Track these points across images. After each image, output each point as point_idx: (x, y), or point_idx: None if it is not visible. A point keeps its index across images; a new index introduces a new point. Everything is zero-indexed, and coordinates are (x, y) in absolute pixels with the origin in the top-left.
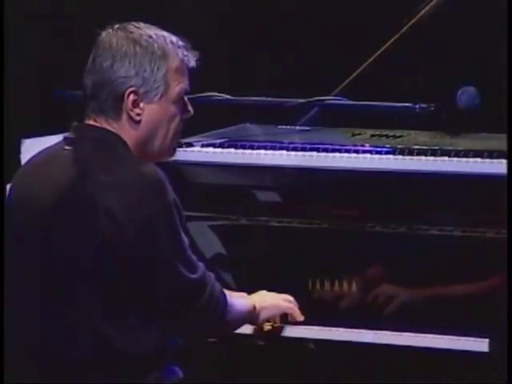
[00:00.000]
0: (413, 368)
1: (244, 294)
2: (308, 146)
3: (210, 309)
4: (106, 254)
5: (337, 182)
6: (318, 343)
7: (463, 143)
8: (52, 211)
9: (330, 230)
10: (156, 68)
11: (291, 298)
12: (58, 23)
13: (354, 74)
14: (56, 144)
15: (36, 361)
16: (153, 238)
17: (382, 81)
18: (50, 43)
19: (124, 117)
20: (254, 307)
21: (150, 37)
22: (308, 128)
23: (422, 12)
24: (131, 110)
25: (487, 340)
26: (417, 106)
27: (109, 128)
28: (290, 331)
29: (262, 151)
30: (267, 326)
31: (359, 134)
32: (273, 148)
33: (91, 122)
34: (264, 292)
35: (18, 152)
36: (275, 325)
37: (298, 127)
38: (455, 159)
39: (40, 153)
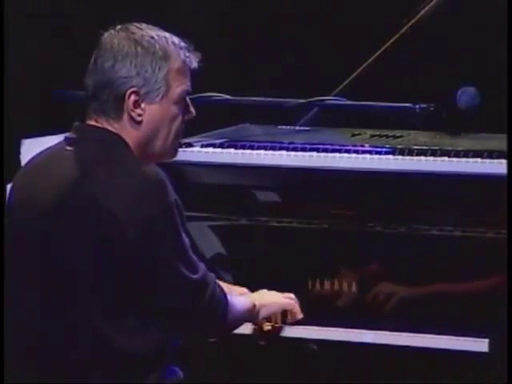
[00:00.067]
0: (412, 368)
1: (244, 289)
2: (308, 146)
3: (210, 309)
4: (106, 254)
5: (336, 182)
6: (317, 343)
7: (463, 143)
8: (53, 211)
9: (329, 230)
10: (157, 68)
11: (292, 296)
12: (58, 23)
13: (354, 74)
14: (57, 144)
15: (36, 361)
16: (154, 238)
17: (382, 81)
18: (50, 43)
19: (125, 117)
20: (254, 305)
21: (152, 37)
22: (308, 128)
23: (422, 12)
24: (132, 111)
25: (487, 340)
26: (417, 106)
27: (110, 128)
28: (290, 331)
29: (262, 151)
30: (267, 326)
31: (359, 135)
32: (273, 148)
33: (92, 123)
34: (264, 291)
35: (18, 152)
36: (275, 325)
37: (297, 127)
38: (455, 159)
39: (41, 153)
